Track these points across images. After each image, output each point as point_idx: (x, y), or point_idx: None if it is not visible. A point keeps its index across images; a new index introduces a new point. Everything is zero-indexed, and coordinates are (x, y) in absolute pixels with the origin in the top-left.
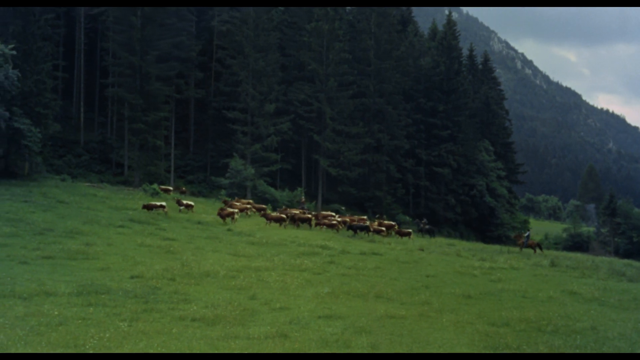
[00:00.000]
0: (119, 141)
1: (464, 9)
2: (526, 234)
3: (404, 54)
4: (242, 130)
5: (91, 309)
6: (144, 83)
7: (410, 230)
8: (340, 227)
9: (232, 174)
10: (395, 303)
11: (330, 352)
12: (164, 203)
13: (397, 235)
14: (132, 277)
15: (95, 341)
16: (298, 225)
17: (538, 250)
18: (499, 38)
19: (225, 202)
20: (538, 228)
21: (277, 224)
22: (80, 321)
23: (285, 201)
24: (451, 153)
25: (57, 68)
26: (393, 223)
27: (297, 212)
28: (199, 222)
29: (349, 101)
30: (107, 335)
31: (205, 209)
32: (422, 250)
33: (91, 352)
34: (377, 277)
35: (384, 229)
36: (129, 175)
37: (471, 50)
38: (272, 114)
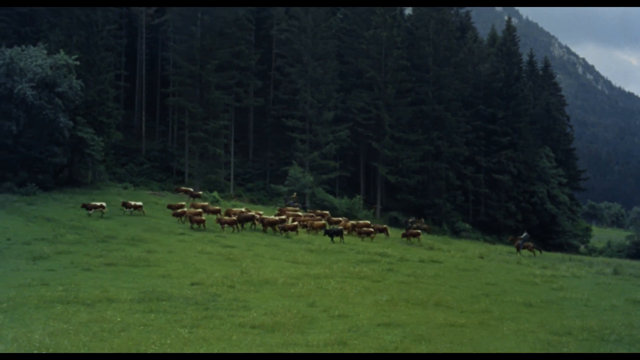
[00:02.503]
0: (180, 149)
1: (524, 15)
2: (522, 236)
3: (463, 60)
4: (301, 138)
5: (152, 315)
6: (204, 92)
7: (419, 231)
8: (299, 229)
9: (291, 181)
10: (455, 311)
11: None
12: (103, 203)
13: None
14: (192, 284)
15: (156, 347)
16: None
17: (536, 253)
18: (559, 43)
19: (171, 207)
20: (600, 235)
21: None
22: (142, 327)
23: (344, 209)
24: (511, 160)
25: (119, 78)
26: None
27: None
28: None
29: (408, 108)
30: (168, 341)
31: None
32: (482, 258)
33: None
34: (437, 284)
35: (372, 229)
36: (190, 183)
37: (531, 56)
38: (330, 121)
